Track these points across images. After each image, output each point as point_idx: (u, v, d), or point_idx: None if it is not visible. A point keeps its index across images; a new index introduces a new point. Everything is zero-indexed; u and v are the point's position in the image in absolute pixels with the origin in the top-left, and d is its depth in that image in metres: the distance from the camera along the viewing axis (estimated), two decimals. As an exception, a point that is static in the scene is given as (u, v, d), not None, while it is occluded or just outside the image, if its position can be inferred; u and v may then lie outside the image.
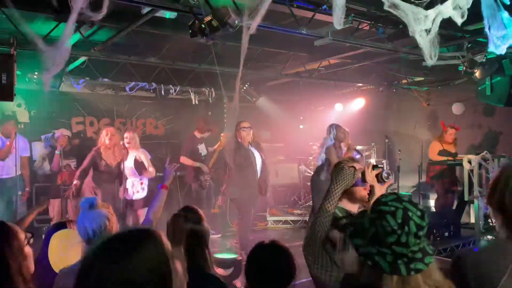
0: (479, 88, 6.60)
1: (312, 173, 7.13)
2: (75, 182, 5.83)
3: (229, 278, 4.04)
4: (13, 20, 3.73)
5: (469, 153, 6.12)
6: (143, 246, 1.02)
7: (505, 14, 3.21)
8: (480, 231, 5.80)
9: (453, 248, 5.78)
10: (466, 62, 6.08)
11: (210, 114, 9.14)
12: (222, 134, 7.21)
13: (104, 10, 2.78)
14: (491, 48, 3.52)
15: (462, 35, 5.64)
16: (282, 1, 4.35)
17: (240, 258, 4.45)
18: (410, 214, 1.23)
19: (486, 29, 3.35)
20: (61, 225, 2.59)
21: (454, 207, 7.11)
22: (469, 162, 5.85)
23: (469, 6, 3.01)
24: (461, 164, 6.08)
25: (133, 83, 7.46)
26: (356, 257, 1.29)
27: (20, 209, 6.23)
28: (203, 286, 2.18)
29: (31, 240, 1.80)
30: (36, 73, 6.58)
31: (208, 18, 3.90)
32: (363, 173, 2.26)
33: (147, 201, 5.86)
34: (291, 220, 8.16)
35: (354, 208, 2.27)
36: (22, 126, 7.17)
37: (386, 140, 7.93)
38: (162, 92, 7.79)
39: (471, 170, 5.83)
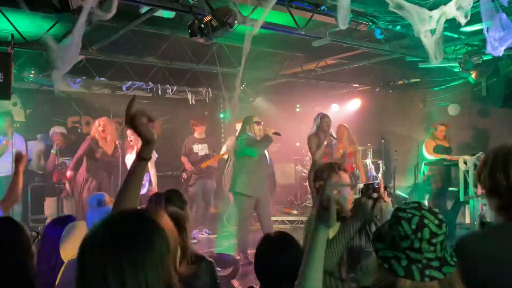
0: (475, 89, 6.65)
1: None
2: (68, 173, 5.83)
3: (227, 277, 4.06)
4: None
5: (465, 154, 6.15)
6: (142, 230, 1.08)
7: (504, 16, 3.23)
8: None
9: (448, 249, 5.80)
10: (462, 63, 6.12)
11: (207, 114, 9.13)
12: (229, 138, 7.17)
13: (114, 10, 2.79)
14: (489, 50, 3.54)
15: (458, 37, 5.68)
16: (281, 2, 4.35)
17: (238, 258, 4.46)
18: (426, 221, 1.26)
19: (484, 31, 3.38)
20: (60, 220, 2.59)
21: (449, 208, 7.15)
22: (465, 162, 5.88)
23: (470, 7, 3.04)
24: (456, 165, 6.12)
25: (130, 83, 7.44)
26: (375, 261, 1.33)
27: (16, 208, 6.18)
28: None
29: (37, 240, 1.80)
30: (32, 71, 6.53)
31: (208, 18, 3.89)
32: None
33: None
34: (288, 220, 8.16)
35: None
36: (18, 125, 7.11)
37: (382, 141, 7.94)
38: (159, 92, 7.78)
39: (467, 171, 5.86)
